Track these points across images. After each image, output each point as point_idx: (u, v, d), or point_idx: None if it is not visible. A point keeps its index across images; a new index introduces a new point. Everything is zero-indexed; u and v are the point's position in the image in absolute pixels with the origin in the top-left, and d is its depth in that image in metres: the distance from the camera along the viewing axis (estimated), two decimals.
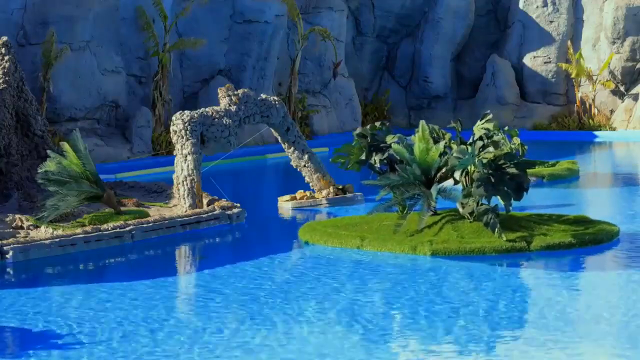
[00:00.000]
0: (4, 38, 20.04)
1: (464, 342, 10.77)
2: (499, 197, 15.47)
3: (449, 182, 16.37)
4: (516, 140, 20.64)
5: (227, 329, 11.51)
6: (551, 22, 37.63)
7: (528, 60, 37.81)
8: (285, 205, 20.48)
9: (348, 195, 20.77)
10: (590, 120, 36.21)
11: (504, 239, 15.08)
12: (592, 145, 34.48)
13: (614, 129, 35.83)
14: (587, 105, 36.67)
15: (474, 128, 16.58)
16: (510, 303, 12.51)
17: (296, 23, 33.83)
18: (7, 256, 15.20)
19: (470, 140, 16.25)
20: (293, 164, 21.04)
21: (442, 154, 16.14)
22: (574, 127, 36.53)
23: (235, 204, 18.70)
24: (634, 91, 35.97)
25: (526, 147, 20.96)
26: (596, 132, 35.81)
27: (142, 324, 11.67)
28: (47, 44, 25.81)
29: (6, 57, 19.57)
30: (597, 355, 10.50)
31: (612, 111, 36.50)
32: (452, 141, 16.84)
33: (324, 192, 20.66)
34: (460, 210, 15.84)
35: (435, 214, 16.18)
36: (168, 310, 12.46)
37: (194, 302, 13.26)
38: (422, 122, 16.66)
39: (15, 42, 25.36)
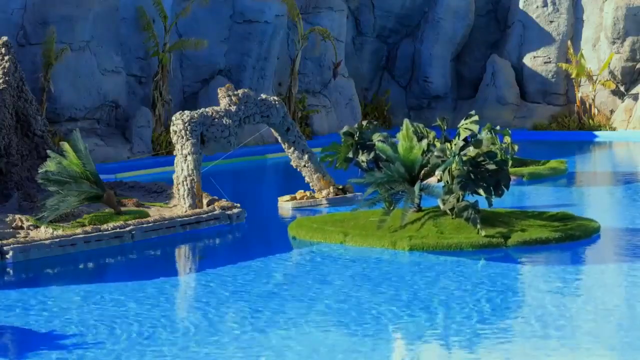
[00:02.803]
0: (4, 38, 20.03)
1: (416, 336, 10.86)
2: (481, 190, 15.73)
3: (433, 180, 16.70)
4: (507, 139, 20.93)
5: (227, 329, 11.52)
6: (551, 22, 37.62)
7: (528, 60, 37.80)
8: (285, 205, 20.48)
9: (348, 195, 20.77)
10: (590, 120, 36.20)
11: (483, 234, 15.36)
12: (592, 145, 34.49)
13: (614, 129, 35.82)
14: (587, 105, 36.66)
15: (459, 127, 16.87)
16: (474, 296, 12.70)
17: (296, 23, 33.83)
18: (7, 256, 15.20)
19: (455, 140, 16.53)
20: (293, 164, 21.05)
21: (425, 152, 16.47)
22: (574, 127, 36.51)
23: (235, 204, 18.70)
24: (634, 91, 35.96)
25: (517, 146, 21.15)
26: (596, 132, 35.80)
27: (142, 324, 11.67)
28: (47, 44, 25.80)
29: (6, 57, 19.57)
30: (568, 348, 10.63)
31: (612, 111, 36.49)
32: (437, 139, 17.13)
33: (324, 192, 20.67)
34: (441, 206, 16.12)
35: (419, 210, 16.49)
36: (168, 311, 12.47)
37: (194, 302, 13.27)
38: (406, 121, 17.02)
39: (15, 42, 25.34)
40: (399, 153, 16.52)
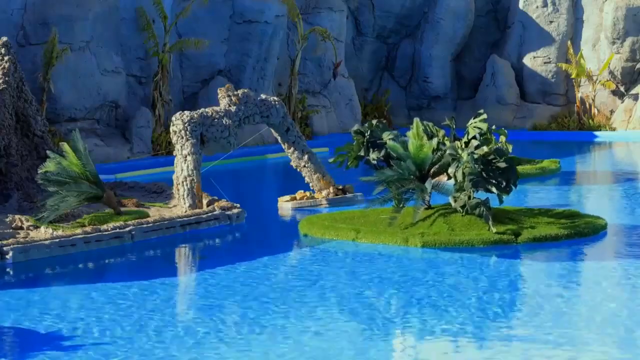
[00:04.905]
0: (4, 38, 20.01)
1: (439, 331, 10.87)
2: (493, 188, 15.96)
3: (441, 178, 16.95)
4: (502, 138, 21.37)
5: (227, 329, 11.52)
6: (551, 22, 37.62)
7: (528, 60, 37.81)
8: (285, 206, 20.49)
9: (348, 195, 20.78)
10: (590, 121, 36.22)
11: (494, 231, 15.57)
12: (592, 146, 34.51)
13: (614, 129, 35.84)
14: (587, 106, 36.68)
15: (468, 126, 17.08)
16: (489, 292, 12.84)
17: (296, 23, 33.84)
18: (7, 257, 15.19)
19: (465, 139, 16.76)
20: (293, 164, 21.05)
21: (435, 150, 16.72)
22: (574, 128, 36.54)
23: (235, 204, 18.70)
24: (633, 91, 35.98)
25: (511, 146, 21.43)
26: (596, 133, 35.82)
27: (142, 324, 11.67)
28: (49, 44, 25.79)
29: (6, 57, 19.55)
30: (580, 345, 10.67)
31: (612, 111, 36.51)
32: (446, 138, 17.37)
33: (324, 192, 20.67)
34: (453, 203, 16.33)
35: (429, 207, 16.70)
36: (168, 311, 12.47)
37: (194, 303, 13.27)
38: (416, 120, 17.33)
39: (15, 42, 25.35)
40: (410, 151, 16.78)
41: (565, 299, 12.62)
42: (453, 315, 11.77)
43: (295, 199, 20.62)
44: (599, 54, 36.65)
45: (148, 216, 17.82)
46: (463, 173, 16.01)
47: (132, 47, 29.14)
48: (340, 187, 20.88)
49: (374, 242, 16.06)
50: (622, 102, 36.35)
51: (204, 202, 18.80)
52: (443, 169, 16.72)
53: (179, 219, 17.63)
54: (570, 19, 37.50)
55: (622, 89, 36.31)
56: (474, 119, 17.58)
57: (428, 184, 16.37)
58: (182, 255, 17.08)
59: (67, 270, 15.29)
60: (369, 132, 19.72)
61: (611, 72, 36.08)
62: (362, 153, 19.81)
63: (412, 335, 11.17)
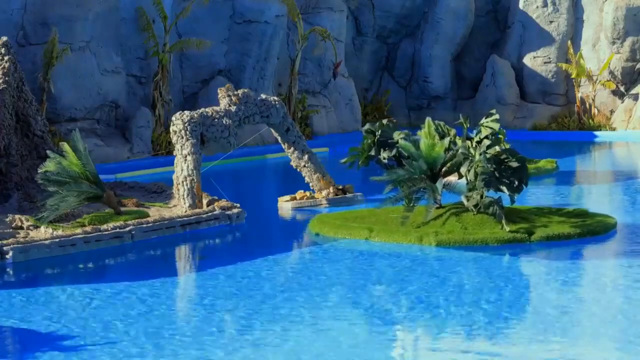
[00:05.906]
0: (4, 38, 20.02)
1: (468, 330, 10.87)
2: (504, 187, 16.09)
3: (451, 178, 17.03)
4: (500, 138, 21.65)
5: (227, 329, 11.52)
6: (551, 22, 37.61)
7: (528, 60, 37.80)
8: (285, 206, 20.49)
9: (348, 195, 20.78)
10: (591, 121, 36.20)
11: (507, 229, 15.69)
12: (592, 146, 34.50)
13: (614, 129, 35.82)
14: (587, 106, 36.66)
15: (480, 124, 17.16)
16: (509, 291, 12.94)
17: (296, 23, 33.82)
18: (7, 256, 15.20)
19: (477, 138, 16.86)
20: (293, 164, 21.06)
21: (447, 150, 16.84)
22: (574, 128, 36.51)
23: (235, 204, 18.70)
24: (634, 91, 35.96)
25: (509, 145, 21.57)
26: (596, 133, 35.80)
27: (142, 324, 11.68)
28: (49, 44, 25.79)
29: (6, 57, 19.55)
30: (592, 344, 10.69)
31: (612, 111, 36.49)
32: (459, 137, 17.54)
33: (324, 192, 20.67)
34: (465, 203, 16.40)
35: (440, 207, 16.77)
36: (169, 311, 12.47)
37: (194, 303, 13.27)
38: (428, 119, 17.45)
39: (15, 42, 25.34)
40: (421, 150, 16.87)
41: (581, 297, 12.71)
42: (466, 314, 11.77)
43: (295, 199, 20.62)
44: (599, 54, 36.64)
45: (148, 216, 17.82)
46: (475, 172, 16.11)
47: (132, 47, 29.13)
48: (340, 187, 20.89)
49: (387, 241, 16.12)
50: (622, 102, 36.33)
51: (204, 202, 18.80)
52: (454, 168, 16.81)
53: (179, 219, 17.63)
54: (570, 19, 37.48)
55: (622, 89, 36.30)
56: (485, 118, 17.70)
57: (439, 184, 16.49)
58: (182, 255, 17.08)
59: (67, 270, 15.30)
60: (379, 132, 19.83)
61: (611, 72, 36.07)
62: (372, 152, 19.94)
63: (422, 335, 11.17)
